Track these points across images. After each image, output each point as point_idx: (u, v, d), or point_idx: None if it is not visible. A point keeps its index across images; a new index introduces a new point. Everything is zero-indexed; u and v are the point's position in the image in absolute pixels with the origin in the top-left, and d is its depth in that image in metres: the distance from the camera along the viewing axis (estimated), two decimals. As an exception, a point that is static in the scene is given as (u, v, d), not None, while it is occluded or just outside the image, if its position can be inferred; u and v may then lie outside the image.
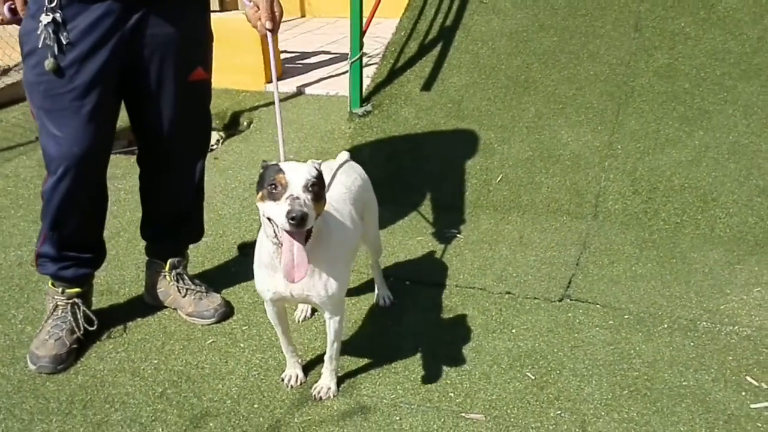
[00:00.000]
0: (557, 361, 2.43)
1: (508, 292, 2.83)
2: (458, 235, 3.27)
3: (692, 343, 2.49)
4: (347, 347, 2.52)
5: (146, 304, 2.79)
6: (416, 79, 4.42)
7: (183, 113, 2.46)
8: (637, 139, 3.65)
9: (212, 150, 4.50)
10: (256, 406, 2.27)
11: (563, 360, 2.44)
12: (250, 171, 3.97)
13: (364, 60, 5.06)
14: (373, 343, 2.56)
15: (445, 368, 2.41)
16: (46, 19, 2.14)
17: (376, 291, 2.80)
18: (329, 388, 2.31)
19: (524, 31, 4.53)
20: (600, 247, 3.12)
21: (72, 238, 2.46)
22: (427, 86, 4.36)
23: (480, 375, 2.38)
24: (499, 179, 3.63)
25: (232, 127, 4.80)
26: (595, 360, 2.43)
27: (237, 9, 5.60)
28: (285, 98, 5.02)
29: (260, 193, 1.94)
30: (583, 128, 3.80)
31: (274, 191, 1.88)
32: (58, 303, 2.53)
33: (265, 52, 5.15)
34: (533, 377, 2.36)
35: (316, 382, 2.34)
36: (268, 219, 1.94)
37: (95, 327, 2.55)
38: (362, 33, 4.26)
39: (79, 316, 2.53)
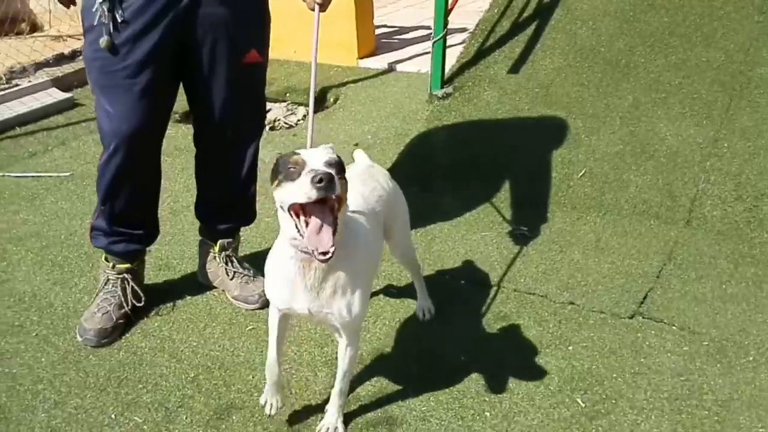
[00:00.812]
0: (615, 388, 2.12)
1: (572, 303, 2.52)
2: (527, 234, 2.96)
3: (781, 383, 2.11)
4: (384, 348, 2.32)
5: (199, 283, 2.71)
6: (504, 60, 4.10)
7: (236, 95, 2.39)
8: (748, 137, 3.20)
9: (294, 126, 4.39)
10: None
11: (622, 388, 2.12)
12: (325, 150, 3.80)
13: (453, 38, 4.80)
14: (412, 346, 2.34)
15: (485, 383, 2.15)
16: None
17: (417, 301, 2.50)
18: (336, 429, 2.01)
19: (631, 10, 4.11)
20: (688, 259, 2.73)
21: (123, 214, 2.42)
22: (515, 68, 4.04)
23: (523, 395, 2.10)
24: (581, 174, 3.28)
25: (318, 103, 4.67)
26: (659, 391, 2.09)
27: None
28: (375, 74, 4.84)
29: (275, 182, 1.70)
30: (686, 122, 3.37)
31: (292, 170, 1.63)
32: (109, 277, 2.51)
33: (358, 26, 4.99)
34: (584, 404, 2.06)
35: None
36: (289, 212, 1.67)
37: (143, 303, 2.51)
38: (447, 11, 3.97)
39: (128, 291, 2.49)
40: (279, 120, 4.56)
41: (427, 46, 4.96)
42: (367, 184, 2.10)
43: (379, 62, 5.01)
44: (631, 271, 2.68)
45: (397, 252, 2.31)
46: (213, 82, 2.33)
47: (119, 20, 2.13)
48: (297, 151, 1.71)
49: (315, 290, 1.79)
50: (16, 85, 4.64)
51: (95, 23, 2.14)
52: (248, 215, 2.70)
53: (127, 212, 2.40)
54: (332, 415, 2.01)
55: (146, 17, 2.15)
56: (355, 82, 4.74)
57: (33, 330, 2.44)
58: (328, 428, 2.00)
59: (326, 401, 2.08)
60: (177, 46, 2.24)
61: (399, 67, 4.90)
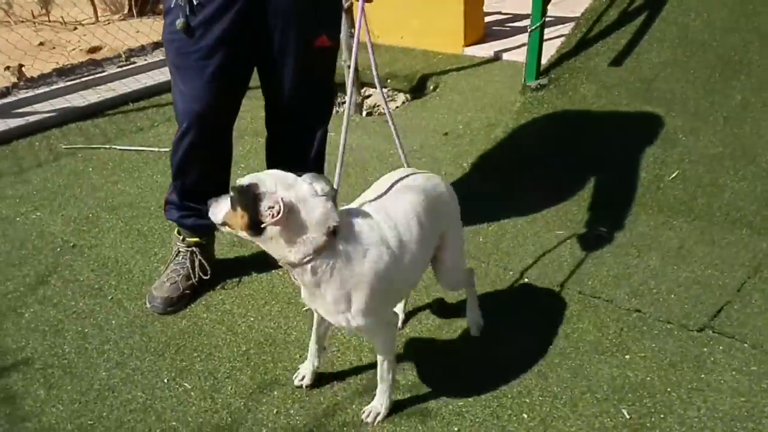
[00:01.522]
0: (666, 402, 2.01)
1: (638, 311, 2.41)
2: (605, 235, 2.85)
3: None
4: (433, 339, 2.31)
5: (267, 262, 2.79)
6: (607, 52, 3.94)
7: (305, 80, 2.44)
8: None
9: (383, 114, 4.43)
10: (322, 384, 2.17)
11: (675, 403, 2.01)
12: (413, 138, 3.81)
13: (559, 29, 4.66)
14: (461, 340, 2.32)
15: (529, 385, 2.11)
16: None
17: (467, 313, 2.36)
18: (377, 414, 2.01)
19: (749, 3, 3.85)
20: (776, 274, 2.54)
21: (193, 189, 2.53)
22: (617, 61, 3.87)
23: (566, 401, 2.04)
24: (674, 176, 3.10)
25: (418, 90, 4.68)
26: (714, 411, 1.97)
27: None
28: (479, 63, 4.80)
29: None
30: (796, 125, 3.12)
31: None
32: (180, 249, 2.63)
33: (466, 13, 4.95)
34: (629, 416, 1.97)
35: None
36: None
37: (208, 276, 2.62)
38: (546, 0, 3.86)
39: (195, 264, 2.61)
40: (378, 106, 4.61)
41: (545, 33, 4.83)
42: (417, 194, 1.96)
43: (486, 50, 4.94)
44: (710, 282, 2.52)
45: (442, 271, 2.12)
46: (283, 65, 2.38)
47: (195, 3, 2.20)
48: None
49: (316, 294, 1.79)
50: (133, 63, 4.95)
51: (173, 5, 2.23)
52: None
53: (196, 188, 2.50)
54: (378, 398, 2.03)
55: (220, 1, 2.21)
56: (458, 70, 4.71)
57: (109, 293, 2.62)
58: (371, 411, 2.03)
59: (369, 387, 2.11)
60: (249, 30, 2.30)
61: (505, 56, 4.82)
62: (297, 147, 2.58)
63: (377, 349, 1.96)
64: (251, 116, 3.57)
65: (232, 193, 1.70)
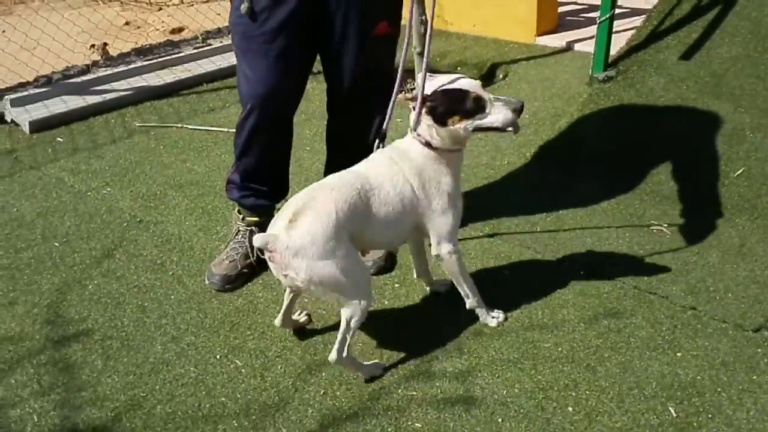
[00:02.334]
0: (715, 402, 2.00)
1: (693, 308, 2.38)
2: (665, 231, 2.82)
3: None
4: (482, 329, 2.34)
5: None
6: (677, 45, 3.86)
7: (366, 66, 2.48)
8: None
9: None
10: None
11: (724, 403, 1.99)
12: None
13: (631, 21, 4.58)
14: (512, 331, 2.34)
15: (576, 378, 2.12)
16: None
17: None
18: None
19: (829, -2, 3.70)
20: (840, 277, 2.47)
21: (254, 170, 2.61)
22: (687, 55, 3.79)
23: (614, 396, 2.05)
24: (739, 173, 3.04)
25: (488, 78, 4.67)
26: (764, 413, 1.95)
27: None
28: (551, 53, 4.74)
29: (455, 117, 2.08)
30: None
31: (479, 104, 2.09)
32: (240, 228, 2.71)
33: (539, 3, 4.90)
34: (675, 414, 1.97)
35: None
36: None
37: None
38: (617, -10, 3.79)
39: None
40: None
41: (617, 24, 4.74)
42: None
43: (558, 40, 4.88)
44: (769, 282, 2.48)
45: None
46: (344, 51, 2.42)
47: None
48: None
49: None
50: (209, 44, 5.08)
51: None
52: None
53: (257, 169, 2.58)
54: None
55: None
56: (528, 59, 4.67)
57: (170, 269, 2.73)
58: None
59: (415, 373, 2.17)
60: (311, 16, 2.35)
61: (577, 47, 4.74)
62: (356, 132, 2.62)
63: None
64: (320, 100, 3.61)
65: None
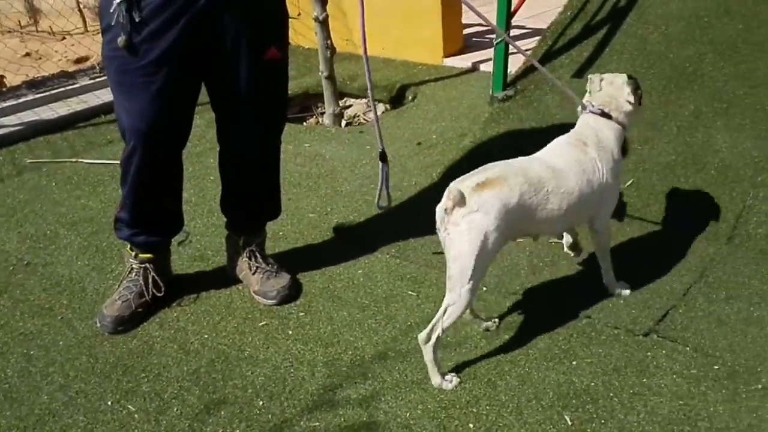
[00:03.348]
0: (608, 408, 2.05)
1: (588, 317, 2.45)
2: (562, 243, 2.90)
3: (786, 416, 1.98)
4: (387, 352, 2.34)
5: (227, 277, 2.82)
6: (570, 64, 4.00)
7: (257, 92, 2.45)
8: (808, 152, 2.99)
9: (366, 123, 4.47)
10: (272, 401, 2.18)
11: (616, 408, 2.05)
12: (388, 147, 3.83)
13: (529, 41, 4.73)
14: (414, 352, 2.34)
15: (477, 394, 2.14)
16: None
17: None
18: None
19: (705, 16, 3.91)
20: (721, 278, 2.59)
21: (142, 208, 2.53)
22: (579, 73, 3.93)
23: (513, 409, 2.08)
24: (628, 184, 3.16)
25: (397, 100, 4.74)
26: (653, 414, 2.01)
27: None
28: (458, 73, 4.87)
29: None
30: (744, 134, 3.19)
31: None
32: (133, 266, 2.62)
33: (444, 25, 5.02)
34: (571, 423, 2.01)
35: None
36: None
37: (162, 293, 2.60)
38: (510, 12, 3.92)
39: (149, 280, 2.59)
40: (358, 116, 4.66)
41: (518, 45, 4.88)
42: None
43: (464, 61, 5.01)
44: (658, 287, 2.57)
45: None
46: (235, 78, 2.38)
47: (137, 20, 2.19)
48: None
49: None
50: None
51: (113, 23, 2.21)
52: (273, 210, 2.78)
53: (146, 206, 2.51)
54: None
55: (164, 17, 2.20)
56: (436, 80, 4.77)
57: (60, 313, 2.61)
58: None
59: (318, 402, 2.13)
60: (196, 45, 2.29)
61: (482, 67, 4.87)
62: (251, 159, 2.59)
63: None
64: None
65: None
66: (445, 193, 2.09)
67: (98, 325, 2.52)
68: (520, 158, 2.34)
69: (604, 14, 4.24)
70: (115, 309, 2.52)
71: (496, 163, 2.24)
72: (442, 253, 2.18)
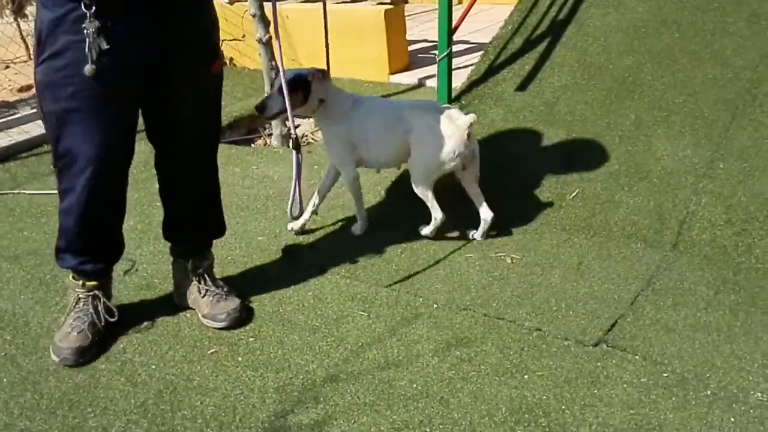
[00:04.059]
0: (560, 421, 2.06)
1: (538, 329, 2.47)
2: (512, 256, 2.92)
3: (733, 419, 2.00)
4: (338, 373, 2.32)
5: (175, 305, 2.76)
6: (513, 77, 4.06)
7: (202, 107, 2.49)
8: (745, 157, 3.07)
9: (314, 142, 4.46)
10: (222, 430, 2.12)
11: (568, 420, 2.06)
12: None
13: (472, 57, 4.79)
14: (368, 371, 2.32)
15: (430, 413, 2.13)
16: (91, 26, 2.15)
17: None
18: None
19: (643, 27, 4.02)
20: (667, 285, 2.64)
21: (92, 234, 2.48)
22: (522, 86, 4.00)
23: (466, 426, 2.07)
24: (574, 194, 3.21)
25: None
26: (605, 425, 2.03)
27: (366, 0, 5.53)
28: (405, 90, 4.90)
29: None
30: (684, 141, 3.27)
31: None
32: (80, 296, 2.55)
33: (390, 43, 5.07)
34: (524, 437, 2.02)
35: None
36: None
37: (116, 318, 2.55)
38: (451, 29, 3.96)
39: (100, 308, 2.53)
40: (306, 135, 4.65)
41: (462, 60, 4.94)
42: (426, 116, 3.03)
43: (410, 78, 5.07)
44: (606, 297, 2.61)
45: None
46: (183, 98, 2.40)
47: (104, 47, 2.17)
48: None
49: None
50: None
51: (59, 48, 2.19)
52: (217, 229, 2.77)
53: (95, 232, 2.46)
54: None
55: (123, 46, 2.20)
56: (384, 97, 4.78)
57: (3, 349, 2.52)
58: None
59: (269, 429, 2.10)
60: (145, 71, 2.30)
61: (429, 83, 4.92)
62: (192, 178, 2.60)
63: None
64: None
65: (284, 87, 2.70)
66: (469, 123, 2.94)
67: (56, 359, 2.44)
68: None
69: (544, 28, 4.32)
70: (72, 341, 2.45)
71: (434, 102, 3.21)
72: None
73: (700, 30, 3.82)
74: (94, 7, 2.14)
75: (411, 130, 2.97)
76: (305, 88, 2.95)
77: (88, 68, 2.18)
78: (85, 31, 2.15)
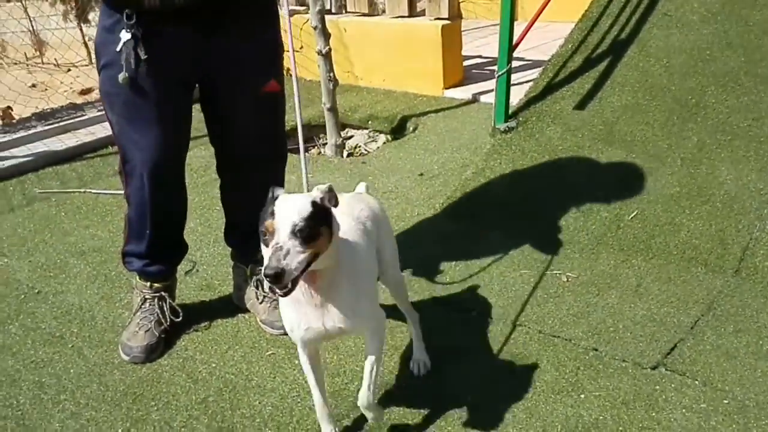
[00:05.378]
0: (617, 442, 2.05)
1: (595, 349, 2.45)
2: (569, 275, 2.90)
3: (797, 452, 1.97)
4: (389, 383, 2.34)
5: (234, 305, 2.83)
6: (572, 96, 4.05)
7: (257, 125, 2.50)
8: (812, 184, 3.02)
9: (367, 153, 4.51)
10: (280, 431, 2.17)
11: (625, 442, 2.05)
12: (388, 178, 3.89)
13: (529, 73, 4.79)
14: (420, 381, 2.35)
15: (485, 426, 2.13)
16: (125, 36, 2.22)
17: (413, 353, 2.43)
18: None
19: (707, 49, 3.97)
20: (729, 311, 2.60)
21: (157, 237, 2.55)
22: (581, 105, 3.98)
23: (520, 442, 2.08)
24: (633, 215, 3.18)
25: (398, 131, 4.79)
26: (663, 449, 2.01)
27: (424, 15, 5.57)
28: (458, 105, 4.92)
29: (261, 234, 1.74)
30: (749, 166, 3.22)
31: (266, 237, 1.71)
32: (146, 296, 2.64)
33: (445, 57, 5.08)
34: (580, 456, 2.01)
35: None
36: None
37: (181, 318, 2.63)
38: (512, 46, 3.98)
39: (165, 308, 2.62)
40: (360, 146, 4.71)
41: (517, 77, 4.92)
42: (357, 206, 2.17)
43: (465, 93, 5.08)
44: (665, 320, 2.58)
45: (387, 277, 2.28)
46: (235, 112, 2.44)
47: (142, 57, 2.22)
48: (275, 206, 1.73)
49: (324, 307, 1.87)
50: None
51: (111, 60, 2.25)
52: None
53: (160, 235, 2.53)
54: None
55: (167, 55, 2.25)
56: (437, 111, 4.83)
57: (70, 341, 2.62)
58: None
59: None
60: (197, 81, 2.37)
61: (483, 98, 4.93)
62: (252, 189, 2.60)
63: (371, 346, 2.03)
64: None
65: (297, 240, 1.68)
66: None
67: (126, 358, 2.51)
68: None
69: (605, 47, 4.30)
70: (141, 339, 2.53)
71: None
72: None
73: (766, 54, 3.76)
74: (134, 17, 2.19)
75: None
76: (327, 218, 1.78)
77: (122, 76, 2.23)
78: (122, 41, 2.20)
